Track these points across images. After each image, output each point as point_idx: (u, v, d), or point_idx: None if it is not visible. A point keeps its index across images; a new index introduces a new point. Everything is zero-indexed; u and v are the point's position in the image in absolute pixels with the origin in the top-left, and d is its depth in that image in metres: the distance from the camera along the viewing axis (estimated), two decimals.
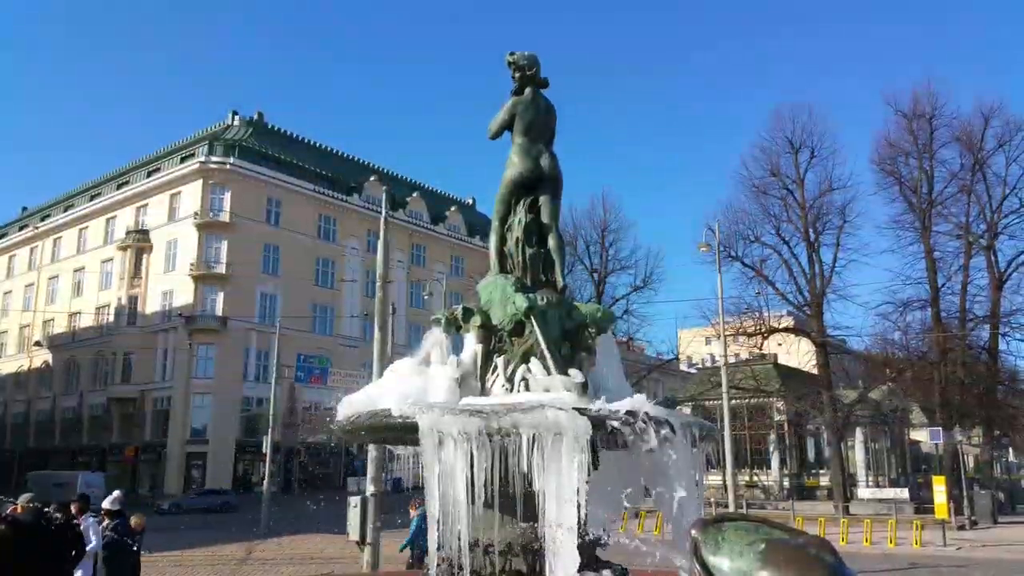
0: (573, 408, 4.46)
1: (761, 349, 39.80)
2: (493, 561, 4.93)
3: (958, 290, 36.35)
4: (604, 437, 4.46)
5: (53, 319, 62.13)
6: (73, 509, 9.77)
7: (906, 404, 41.41)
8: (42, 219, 68.70)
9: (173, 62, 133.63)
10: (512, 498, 4.81)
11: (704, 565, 2.39)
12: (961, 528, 26.67)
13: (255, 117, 63.26)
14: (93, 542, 9.58)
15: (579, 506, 4.25)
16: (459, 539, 4.51)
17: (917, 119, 37.01)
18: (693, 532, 2.50)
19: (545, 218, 6.44)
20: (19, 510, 8.54)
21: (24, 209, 77.89)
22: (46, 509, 8.86)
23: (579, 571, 4.35)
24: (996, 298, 35.72)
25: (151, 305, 54.56)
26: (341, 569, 15.14)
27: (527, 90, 6.61)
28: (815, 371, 38.07)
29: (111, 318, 56.40)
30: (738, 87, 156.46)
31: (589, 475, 4.39)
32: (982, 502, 30.28)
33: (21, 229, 70.63)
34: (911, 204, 36.81)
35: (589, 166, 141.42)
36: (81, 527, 9.29)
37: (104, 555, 9.73)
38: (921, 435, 41.75)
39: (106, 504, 10.40)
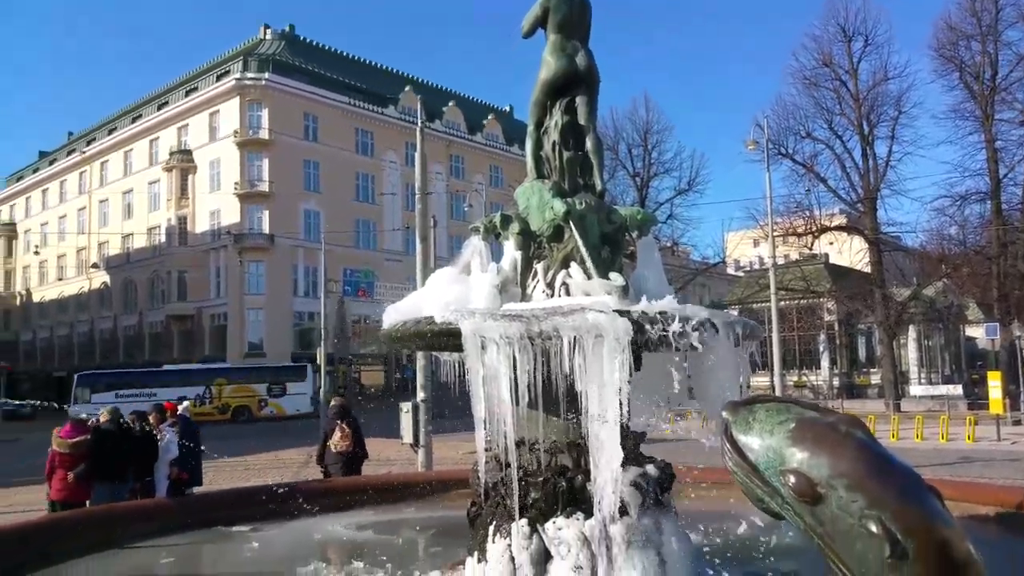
0: (613, 310, 4.43)
1: (811, 249, 39.13)
2: (539, 458, 5.05)
3: (1021, 181, 34.99)
4: (644, 338, 4.43)
5: (107, 241, 63.96)
6: (152, 419, 10.95)
7: (962, 300, 40.59)
8: (88, 143, 69.72)
9: None
10: (556, 398, 4.87)
11: (734, 444, 2.41)
12: (1016, 423, 26.46)
13: (286, 30, 62.29)
14: (172, 450, 10.60)
15: (621, 404, 4.29)
16: (505, 438, 4.62)
17: None
18: (724, 413, 2.51)
19: (582, 119, 6.20)
20: (104, 418, 9.99)
21: (70, 134, 79.05)
22: (123, 420, 10.13)
23: (622, 466, 4.43)
24: None
25: (200, 224, 55.68)
26: (399, 468, 15.79)
27: None
28: (867, 270, 37.39)
29: (163, 238, 57.84)
30: None
31: (631, 376, 4.40)
32: None
33: (69, 154, 71.88)
34: (972, 91, 34.96)
35: (633, 62, 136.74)
36: (161, 436, 10.72)
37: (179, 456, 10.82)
38: (977, 331, 41.01)
39: (180, 410, 12.01)
